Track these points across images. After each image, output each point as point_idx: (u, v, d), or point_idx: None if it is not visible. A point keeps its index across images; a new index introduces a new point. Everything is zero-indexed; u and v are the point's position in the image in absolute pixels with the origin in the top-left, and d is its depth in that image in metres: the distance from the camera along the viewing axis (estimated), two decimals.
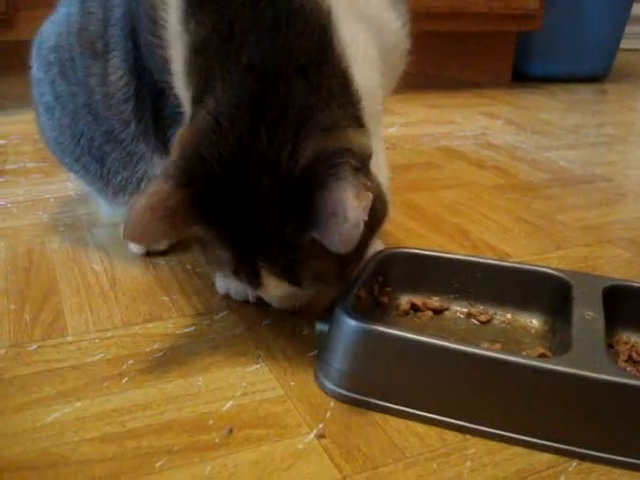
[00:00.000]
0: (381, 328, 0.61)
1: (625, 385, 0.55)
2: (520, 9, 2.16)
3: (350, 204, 0.51)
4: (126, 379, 0.63)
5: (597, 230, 1.04)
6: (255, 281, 0.63)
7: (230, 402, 0.61)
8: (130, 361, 0.66)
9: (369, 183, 0.54)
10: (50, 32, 0.86)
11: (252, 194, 0.57)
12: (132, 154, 0.81)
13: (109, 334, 0.71)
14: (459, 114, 1.87)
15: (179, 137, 0.60)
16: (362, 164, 0.57)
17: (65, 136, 0.86)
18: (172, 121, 0.72)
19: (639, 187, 1.29)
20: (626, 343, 0.68)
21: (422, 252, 0.77)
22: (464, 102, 2.06)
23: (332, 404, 0.61)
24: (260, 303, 0.75)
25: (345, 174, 0.53)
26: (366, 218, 0.51)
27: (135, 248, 0.88)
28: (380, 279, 0.73)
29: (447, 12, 2.05)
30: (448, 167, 1.36)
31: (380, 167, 0.68)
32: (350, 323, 0.61)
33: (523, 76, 2.40)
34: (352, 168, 0.54)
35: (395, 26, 0.71)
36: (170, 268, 0.86)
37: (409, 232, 1.00)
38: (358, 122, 0.60)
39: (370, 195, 0.52)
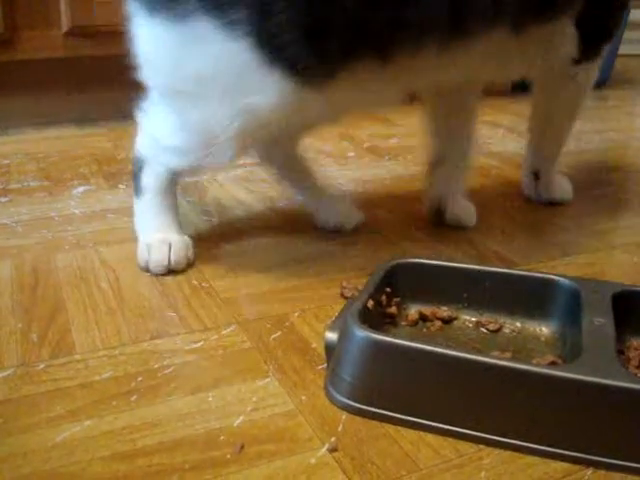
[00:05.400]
0: (390, 339, 0.61)
1: (637, 391, 0.54)
2: None
3: None
4: (135, 396, 0.63)
5: (603, 236, 1.04)
6: None
7: (241, 417, 0.60)
8: (139, 378, 0.66)
9: None
10: None
11: None
12: None
13: (117, 352, 0.71)
14: None
15: None
16: None
17: None
18: None
19: None
20: (637, 349, 0.67)
21: (429, 262, 0.77)
22: None
23: (344, 417, 0.60)
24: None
25: None
26: None
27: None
28: (388, 290, 0.73)
29: None
30: None
31: None
32: (359, 334, 0.61)
33: (522, 85, 2.40)
34: None
35: None
36: (176, 284, 0.86)
37: (415, 242, 1.00)
38: None
39: None
